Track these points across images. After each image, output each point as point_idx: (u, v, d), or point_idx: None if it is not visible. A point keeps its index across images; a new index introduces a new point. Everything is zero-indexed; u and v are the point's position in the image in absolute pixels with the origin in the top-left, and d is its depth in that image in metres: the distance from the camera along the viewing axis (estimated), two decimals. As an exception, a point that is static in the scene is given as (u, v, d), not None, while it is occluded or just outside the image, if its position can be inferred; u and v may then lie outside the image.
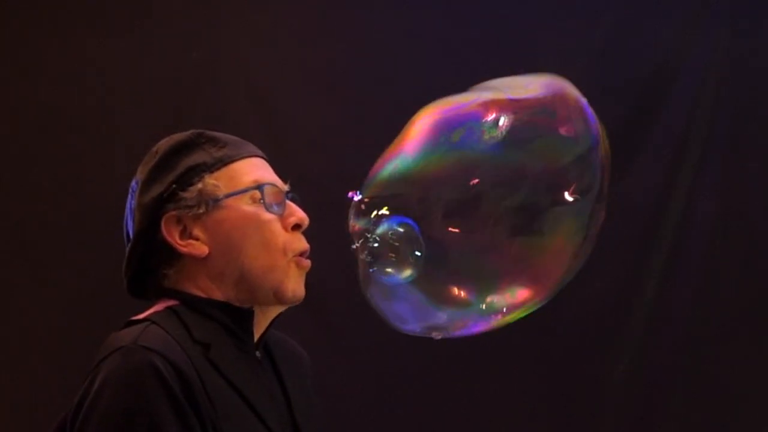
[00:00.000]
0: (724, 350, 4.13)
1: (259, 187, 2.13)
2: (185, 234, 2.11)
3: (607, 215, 4.15)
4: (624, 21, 4.21)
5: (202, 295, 2.10)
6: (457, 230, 2.12)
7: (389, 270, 2.12)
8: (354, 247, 2.13)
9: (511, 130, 2.11)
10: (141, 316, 2.08)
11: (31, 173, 4.18)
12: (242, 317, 2.11)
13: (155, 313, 2.08)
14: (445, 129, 2.14)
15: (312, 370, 2.31)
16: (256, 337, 2.15)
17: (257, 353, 2.14)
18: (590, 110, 2.19)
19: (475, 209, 2.11)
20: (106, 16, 4.22)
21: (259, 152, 2.22)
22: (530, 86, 2.17)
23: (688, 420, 4.13)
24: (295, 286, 2.13)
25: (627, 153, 4.16)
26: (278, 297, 2.12)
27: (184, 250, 2.10)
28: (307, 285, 4.12)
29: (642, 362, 4.14)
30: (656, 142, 4.16)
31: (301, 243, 2.16)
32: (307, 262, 2.16)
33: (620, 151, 4.12)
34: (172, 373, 1.94)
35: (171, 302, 2.10)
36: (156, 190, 2.11)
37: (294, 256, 2.13)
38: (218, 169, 2.13)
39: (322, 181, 4.16)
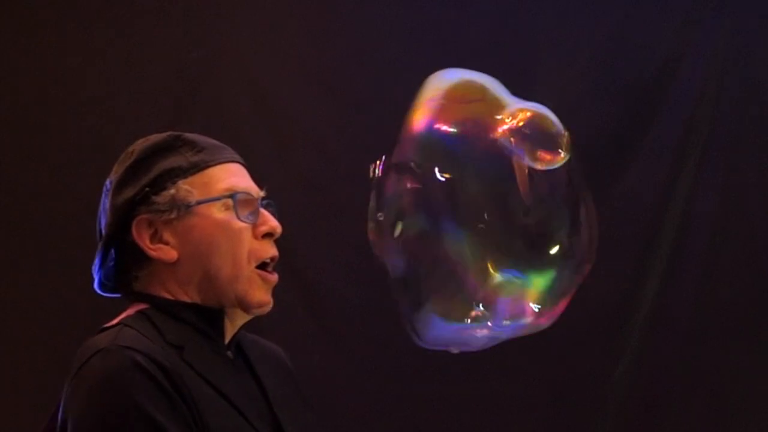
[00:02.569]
0: (725, 350, 4.12)
1: (232, 195, 2.12)
2: (156, 238, 2.11)
3: (607, 215, 4.16)
4: (624, 21, 4.21)
5: (171, 298, 2.10)
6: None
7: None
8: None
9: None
10: (113, 322, 2.08)
11: (31, 173, 4.18)
12: (212, 318, 2.11)
13: (127, 317, 2.09)
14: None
15: (291, 362, 2.30)
16: (228, 337, 2.14)
17: (229, 353, 2.14)
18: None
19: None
20: (107, 15, 4.22)
21: (237, 157, 2.20)
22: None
23: (688, 420, 4.13)
24: (260, 296, 2.12)
25: (627, 153, 4.16)
26: (243, 307, 2.12)
27: (154, 254, 2.10)
28: (308, 285, 4.15)
29: (642, 362, 4.13)
30: (656, 143, 4.16)
31: (269, 251, 2.15)
32: (273, 277, 2.15)
33: (620, 152, 4.16)
34: (154, 367, 1.95)
35: (141, 306, 2.10)
36: (129, 192, 2.11)
37: (258, 264, 2.12)
38: (193, 174, 2.12)
39: (321, 181, 4.16)
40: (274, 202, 2.19)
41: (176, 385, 1.96)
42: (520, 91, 4.19)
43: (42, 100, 4.20)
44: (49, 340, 4.05)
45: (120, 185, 2.13)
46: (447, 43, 4.21)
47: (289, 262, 4.10)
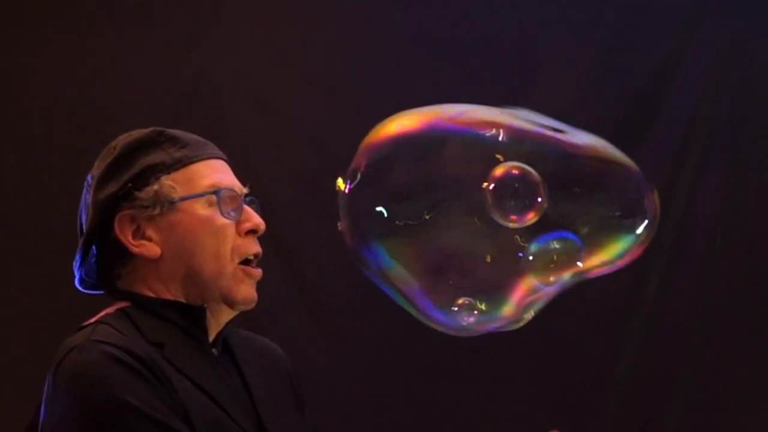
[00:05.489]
0: (725, 350, 4.12)
1: (216, 191, 2.11)
2: (138, 234, 2.10)
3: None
4: (624, 21, 4.21)
5: (153, 296, 2.10)
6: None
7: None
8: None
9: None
10: (92, 320, 2.08)
11: (30, 173, 4.18)
12: (194, 315, 2.10)
13: (106, 315, 2.08)
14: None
15: (290, 364, 2.29)
16: (213, 335, 2.14)
17: (214, 351, 2.13)
18: None
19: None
20: (106, 15, 4.22)
21: (220, 153, 2.19)
22: None
23: (688, 420, 4.13)
24: (245, 292, 2.11)
25: (627, 153, 4.15)
26: (227, 303, 2.11)
27: (136, 250, 2.09)
28: (308, 285, 4.15)
29: (642, 362, 4.13)
30: (656, 143, 4.16)
31: (253, 247, 2.14)
32: (257, 272, 2.14)
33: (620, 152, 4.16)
34: (130, 358, 1.96)
35: (123, 304, 2.10)
36: (111, 187, 2.10)
37: (241, 260, 2.12)
38: (176, 170, 2.11)
39: (321, 181, 4.15)
40: (257, 199, 2.18)
41: (155, 374, 1.96)
42: (521, 91, 4.21)
43: (41, 100, 4.20)
44: (34, 338, 4.05)
45: (102, 181, 2.12)
46: (446, 43, 4.21)
47: (289, 262, 4.10)
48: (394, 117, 2.18)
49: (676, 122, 4.17)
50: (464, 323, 2.13)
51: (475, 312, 2.12)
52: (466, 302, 2.11)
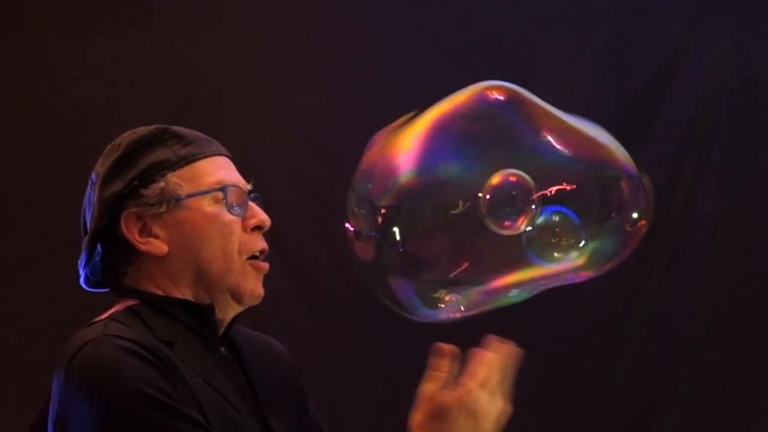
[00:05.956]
0: (725, 350, 4.13)
1: (223, 188, 2.11)
2: (145, 231, 2.09)
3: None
4: (624, 21, 4.21)
5: (161, 293, 2.10)
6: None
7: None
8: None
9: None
10: (102, 316, 2.08)
11: (30, 173, 4.18)
12: (203, 314, 2.10)
13: (116, 312, 2.08)
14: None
15: (292, 361, 2.29)
16: (220, 332, 2.14)
17: (222, 349, 2.14)
18: None
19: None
20: (106, 15, 4.22)
21: (224, 150, 2.19)
22: None
23: (688, 420, 4.13)
24: (253, 286, 2.12)
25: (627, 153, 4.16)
26: (236, 298, 2.11)
27: (143, 248, 2.09)
28: (308, 285, 4.15)
29: (642, 362, 4.14)
30: (656, 143, 4.16)
31: (259, 243, 2.14)
32: (265, 265, 2.14)
33: (620, 152, 4.16)
34: (145, 352, 1.96)
35: (131, 302, 2.10)
36: (117, 185, 2.10)
37: (248, 257, 2.12)
38: (181, 167, 2.11)
39: (322, 181, 4.16)
40: (260, 195, 2.18)
41: (170, 368, 1.97)
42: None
43: (41, 100, 4.20)
44: (34, 338, 4.05)
45: (107, 179, 2.11)
46: (446, 44, 4.21)
47: (289, 262, 4.10)
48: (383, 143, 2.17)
49: (676, 122, 4.17)
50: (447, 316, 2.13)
51: (462, 308, 2.12)
52: (453, 299, 2.11)
